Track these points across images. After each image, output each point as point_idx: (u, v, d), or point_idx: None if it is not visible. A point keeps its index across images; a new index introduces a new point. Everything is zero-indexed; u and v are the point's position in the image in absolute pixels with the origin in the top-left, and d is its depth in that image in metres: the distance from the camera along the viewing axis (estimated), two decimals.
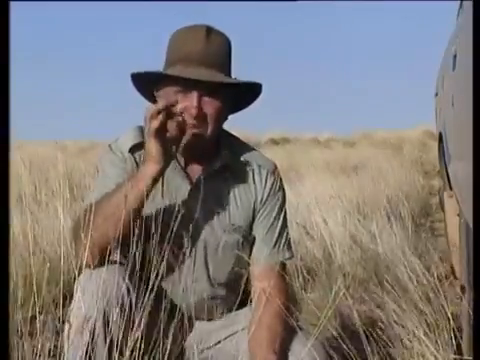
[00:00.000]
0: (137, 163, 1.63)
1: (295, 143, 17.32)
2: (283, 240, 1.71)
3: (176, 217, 1.54)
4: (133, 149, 1.64)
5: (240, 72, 1.68)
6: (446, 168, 3.02)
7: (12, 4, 1.46)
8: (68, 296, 1.51)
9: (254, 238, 1.70)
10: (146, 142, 1.51)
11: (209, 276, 1.65)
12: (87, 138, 17.04)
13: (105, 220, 1.44)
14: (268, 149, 12.99)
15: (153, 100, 1.67)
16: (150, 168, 1.48)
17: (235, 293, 1.68)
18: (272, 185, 1.72)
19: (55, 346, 1.69)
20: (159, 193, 1.63)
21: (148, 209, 1.56)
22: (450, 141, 2.55)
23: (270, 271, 1.66)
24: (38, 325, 1.54)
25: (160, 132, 1.47)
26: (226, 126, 1.76)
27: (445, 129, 2.79)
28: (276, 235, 1.70)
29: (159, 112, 1.46)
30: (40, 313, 1.72)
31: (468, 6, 1.85)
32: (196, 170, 1.67)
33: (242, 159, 1.71)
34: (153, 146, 1.47)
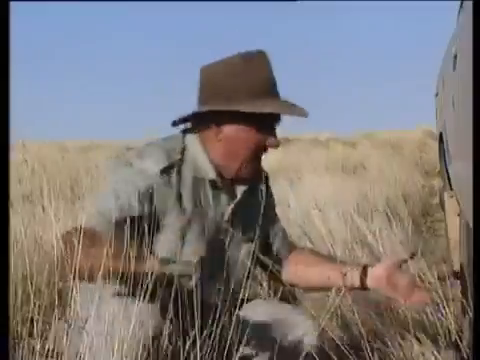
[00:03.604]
0: (169, 183, 1.57)
1: (295, 143, 17.30)
2: (284, 231, 1.83)
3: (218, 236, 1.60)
4: (163, 172, 1.57)
5: None
6: (446, 168, 3.02)
7: (12, 4, 1.46)
8: (68, 297, 1.50)
9: (264, 239, 1.75)
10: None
11: (230, 289, 1.62)
12: (87, 138, 17.03)
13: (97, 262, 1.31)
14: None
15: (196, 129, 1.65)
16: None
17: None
18: (271, 192, 1.82)
19: (55, 347, 1.69)
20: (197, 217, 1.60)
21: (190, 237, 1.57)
22: (450, 141, 2.54)
23: (289, 260, 1.78)
24: (38, 326, 1.54)
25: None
26: None
27: (445, 129, 2.79)
28: (283, 231, 1.81)
29: None
30: (40, 314, 1.71)
31: (468, 6, 1.85)
32: (230, 188, 1.68)
33: None
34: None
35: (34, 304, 1.78)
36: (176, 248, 1.53)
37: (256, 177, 1.67)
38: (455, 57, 2.15)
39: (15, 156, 4.13)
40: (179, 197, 1.58)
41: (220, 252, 1.63)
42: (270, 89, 1.58)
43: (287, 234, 1.84)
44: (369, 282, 1.63)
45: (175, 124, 1.67)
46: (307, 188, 5.28)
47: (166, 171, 1.58)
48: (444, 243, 3.76)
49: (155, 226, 1.50)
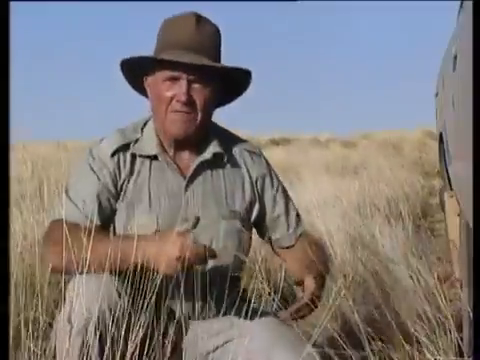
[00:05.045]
0: (119, 167, 1.62)
1: (295, 143, 17.30)
2: (294, 213, 1.77)
3: (173, 215, 1.55)
4: (114, 153, 1.62)
5: None
6: (446, 168, 3.02)
7: (12, 4, 1.46)
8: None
9: (261, 220, 1.73)
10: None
11: (211, 268, 1.61)
12: (88, 138, 16.99)
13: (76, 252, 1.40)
14: (268, 150, 12.98)
15: (141, 89, 1.68)
16: (157, 267, 1.40)
17: (234, 288, 1.67)
18: (263, 166, 1.76)
19: (55, 348, 1.69)
20: (146, 194, 1.62)
21: (141, 210, 1.58)
22: (450, 141, 2.54)
23: (294, 249, 1.74)
24: (40, 326, 1.54)
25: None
26: (226, 125, 1.77)
27: (445, 129, 2.79)
28: (288, 218, 1.76)
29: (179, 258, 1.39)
30: (42, 315, 1.72)
31: (468, 6, 1.85)
32: (186, 160, 1.67)
33: (231, 146, 1.73)
34: (170, 270, 1.40)
35: (36, 305, 1.78)
36: (127, 223, 1.57)
37: (185, 136, 1.62)
38: (455, 57, 2.15)
39: (15, 156, 4.13)
40: (129, 178, 1.62)
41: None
42: (183, 44, 1.59)
43: (294, 220, 1.77)
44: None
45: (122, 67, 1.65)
46: (307, 188, 5.28)
47: (117, 153, 1.62)
48: (444, 243, 3.77)
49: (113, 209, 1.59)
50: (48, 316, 1.78)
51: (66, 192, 1.61)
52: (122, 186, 1.62)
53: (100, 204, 1.58)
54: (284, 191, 1.79)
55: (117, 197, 1.61)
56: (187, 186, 1.64)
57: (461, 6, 2.64)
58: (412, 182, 7.06)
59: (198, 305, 1.63)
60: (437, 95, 3.51)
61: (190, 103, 1.58)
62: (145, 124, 1.70)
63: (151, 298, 1.41)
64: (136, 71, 1.65)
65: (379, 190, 5.57)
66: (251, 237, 1.74)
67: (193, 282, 1.57)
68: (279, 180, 1.80)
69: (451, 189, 2.85)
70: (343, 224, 3.83)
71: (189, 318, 1.63)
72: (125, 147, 1.63)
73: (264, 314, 1.64)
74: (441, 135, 3.22)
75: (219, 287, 1.62)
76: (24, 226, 2.71)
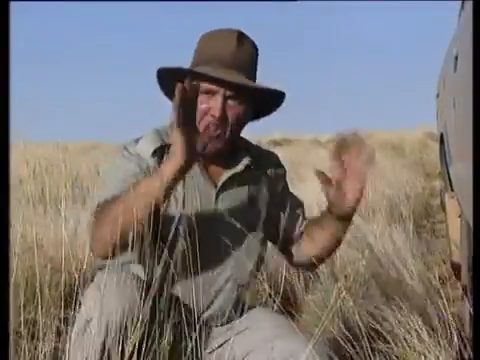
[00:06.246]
0: (159, 165, 1.57)
1: (296, 144, 17.31)
2: (304, 213, 1.84)
3: (202, 221, 1.56)
4: (155, 153, 1.61)
5: None
6: (447, 169, 3.02)
7: (12, 4, 1.46)
8: (70, 298, 1.51)
9: (277, 229, 1.75)
10: (170, 136, 1.45)
11: (235, 279, 1.64)
12: (88, 139, 17.02)
13: (120, 217, 1.37)
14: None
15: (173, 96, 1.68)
16: (174, 163, 1.38)
17: (247, 296, 1.69)
18: (286, 180, 1.84)
19: (55, 348, 1.69)
20: (181, 197, 1.61)
21: (171, 214, 1.57)
22: (451, 142, 2.54)
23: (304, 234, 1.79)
24: (40, 327, 1.54)
25: (187, 115, 1.38)
26: None
27: (446, 130, 2.79)
28: (300, 211, 1.83)
29: (186, 90, 1.37)
30: (42, 315, 1.72)
31: (469, 7, 1.85)
32: (216, 172, 1.68)
33: (258, 159, 1.75)
34: (178, 137, 1.37)
35: (36, 306, 1.78)
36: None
37: (214, 150, 1.61)
38: (456, 58, 2.15)
39: (15, 156, 4.13)
40: None
41: (206, 240, 1.59)
42: (223, 60, 1.59)
43: (302, 216, 1.82)
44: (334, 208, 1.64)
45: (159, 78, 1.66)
46: (308, 189, 5.28)
47: (157, 152, 1.61)
48: (445, 244, 3.77)
49: None
50: (48, 317, 1.78)
51: (103, 180, 1.63)
52: None
53: None
54: (294, 194, 1.87)
55: None
56: (218, 195, 1.66)
57: (462, 7, 2.64)
58: (413, 183, 7.06)
59: (205, 313, 1.63)
60: (438, 96, 3.51)
61: (224, 119, 1.59)
62: None
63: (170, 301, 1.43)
64: (171, 82, 1.61)
65: (380, 191, 5.57)
66: (266, 249, 1.76)
67: (201, 289, 1.58)
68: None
69: (452, 190, 2.85)
70: None
71: (191, 323, 1.63)
72: (162, 148, 1.61)
73: (263, 309, 1.69)
74: (442, 136, 3.22)
75: (227, 297, 1.64)
76: (24, 226, 2.72)
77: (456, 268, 2.64)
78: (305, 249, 1.76)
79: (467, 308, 2.22)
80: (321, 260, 1.80)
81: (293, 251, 1.79)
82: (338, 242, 1.74)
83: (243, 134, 1.73)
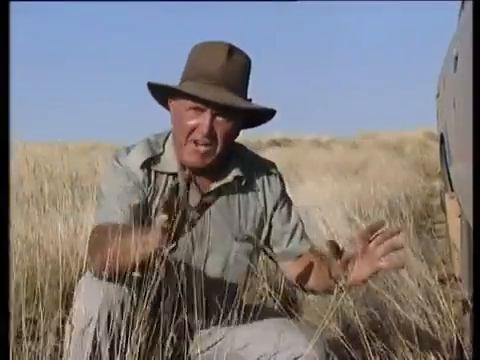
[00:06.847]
0: (149, 178, 1.62)
1: (296, 144, 17.30)
2: (302, 231, 1.77)
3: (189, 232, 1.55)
4: (144, 165, 1.62)
5: None
6: (447, 169, 3.02)
7: (12, 4, 1.46)
8: (70, 298, 1.51)
9: (271, 238, 1.73)
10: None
11: (224, 287, 1.63)
12: (88, 139, 17.01)
13: (113, 258, 1.36)
14: (269, 150, 12.98)
15: (167, 107, 1.68)
16: (147, 248, 1.32)
17: (235, 304, 1.66)
18: (282, 191, 1.77)
19: (56, 348, 1.69)
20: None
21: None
22: (451, 142, 2.55)
23: (302, 259, 1.73)
24: (40, 327, 1.54)
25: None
26: None
27: (446, 130, 2.79)
28: (297, 231, 1.76)
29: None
30: (42, 315, 1.72)
31: (469, 7, 1.85)
32: (205, 182, 1.67)
33: (251, 168, 1.72)
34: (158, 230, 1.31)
35: (36, 305, 1.78)
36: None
37: (203, 167, 1.62)
38: (456, 58, 2.15)
39: (15, 156, 4.13)
40: (152, 192, 1.62)
41: (193, 250, 1.61)
42: (212, 76, 1.57)
43: (302, 236, 1.77)
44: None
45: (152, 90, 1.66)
46: (308, 189, 5.28)
47: (145, 165, 1.62)
48: (445, 244, 3.76)
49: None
50: (48, 317, 1.78)
51: (98, 199, 1.63)
52: (147, 198, 1.62)
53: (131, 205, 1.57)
54: (295, 209, 1.81)
55: (145, 202, 1.61)
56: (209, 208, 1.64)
57: (462, 7, 2.64)
58: (413, 183, 7.06)
59: (200, 319, 1.62)
60: (438, 96, 3.52)
61: (211, 135, 1.58)
62: (166, 139, 1.69)
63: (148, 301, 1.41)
64: (162, 93, 1.65)
65: (380, 191, 5.57)
66: (256, 261, 1.75)
67: (196, 296, 1.57)
68: (290, 199, 1.81)
69: (452, 190, 2.85)
70: (344, 225, 3.83)
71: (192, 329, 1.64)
72: (151, 160, 1.63)
73: (263, 308, 1.68)
74: (442, 136, 3.23)
75: (220, 306, 1.62)
76: (25, 226, 2.72)
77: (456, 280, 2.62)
78: (297, 279, 1.72)
79: (466, 308, 2.22)
80: (312, 292, 1.77)
81: (285, 268, 1.76)
82: (333, 288, 1.64)
83: (243, 134, 1.73)
